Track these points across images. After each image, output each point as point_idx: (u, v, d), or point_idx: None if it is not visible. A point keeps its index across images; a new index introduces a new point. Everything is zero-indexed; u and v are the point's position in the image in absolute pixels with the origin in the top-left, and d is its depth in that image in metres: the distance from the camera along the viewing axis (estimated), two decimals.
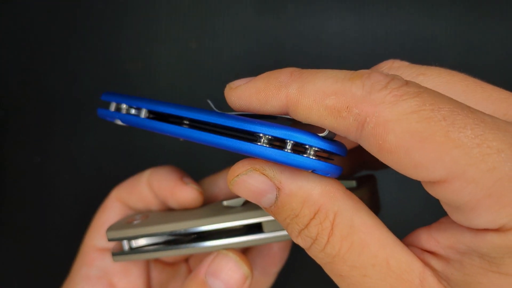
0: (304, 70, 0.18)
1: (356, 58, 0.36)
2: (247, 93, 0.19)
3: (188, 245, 0.24)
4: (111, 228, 0.24)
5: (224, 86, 0.35)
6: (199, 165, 0.37)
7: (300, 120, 0.18)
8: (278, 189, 0.18)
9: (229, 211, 0.23)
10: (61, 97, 0.37)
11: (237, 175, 0.18)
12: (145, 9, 0.37)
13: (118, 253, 0.25)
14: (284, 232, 0.22)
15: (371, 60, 0.36)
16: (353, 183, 0.22)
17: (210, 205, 0.26)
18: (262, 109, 0.19)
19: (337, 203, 0.18)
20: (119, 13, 0.37)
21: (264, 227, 0.23)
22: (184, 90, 0.37)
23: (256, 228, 0.23)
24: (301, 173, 0.18)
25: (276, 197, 0.18)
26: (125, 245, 0.24)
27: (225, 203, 0.24)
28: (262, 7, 0.36)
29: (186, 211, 0.25)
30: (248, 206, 0.23)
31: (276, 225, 0.23)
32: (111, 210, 0.27)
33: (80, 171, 0.37)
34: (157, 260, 0.28)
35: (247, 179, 0.18)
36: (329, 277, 0.20)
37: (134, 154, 0.37)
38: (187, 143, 0.37)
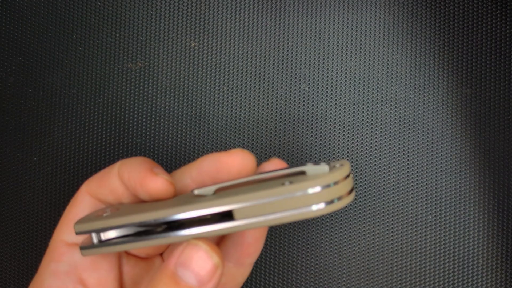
0: None
1: (356, 58, 0.36)
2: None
3: (158, 235, 0.23)
4: (79, 222, 0.24)
5: (224, 87, 0.35)
6: None
7: None
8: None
9: (200, 199, 0.22)
10: (60, 96, 0.37)
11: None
12: (145, 8, 0.37)
13: (86, 246, 0.24)
14: (256, 219, 0.22)
15: (371, 60, 0.36)
16: (326, 168, 0.22)
17: (181, 195, 0.25)
18: None
19: None
20: (119, 12, 0.37)
21: (235, 215, 0.22)
22: (184, 90, 0.37)
23: (228, 217, 0.22)
24: None
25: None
26: (94, 238, 0.24)
27: (196, 191, 0.23)
28: (262, 7, 0.36)
29: (156, 203, 0.24)
30: (219, 194, 0.23)
31: (247, 213, 0.22)
32: (81, 204, 0.26)
33: (79, 171, 0.37)
34: (130, 255, 0.27)
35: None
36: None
37: (133, 154, 0.37)
38: (188, 140, 0.37)
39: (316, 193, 0.21)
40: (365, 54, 0.36)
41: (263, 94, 0.36)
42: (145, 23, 0.37)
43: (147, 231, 0.24)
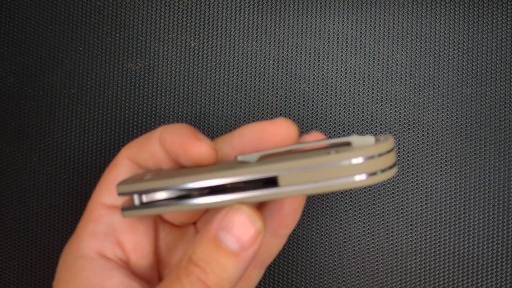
0: None
1: (356, 58, 0.36)
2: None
3: (200, 199, 0.23)
4: (121, 183, 0.24)
5: (224, 87, 0.35)
6: None
7: None
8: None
9: (245, 165, 0.22)
10: (60, 96, 0.37)
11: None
12: (145, 9, 0.37)
13: (128, 207, 0.24)
14: (300, 187, 0.22)
15: (371, 60, 0.36)
16: (372, 140, 0.22)
17: (224, 162, 0.25)
18: None
19: None
20: (119, 13, 0.37)
21: (280, 181, 0.22)
22: (184, 90, 0.37)
23: (271, 183, 0.22)
24: None
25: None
26: (136, 199, 0.23)
27: (239, 158, 0.23)
28: (262, 7, 0.36)
29: (198, 168, 0.24)
30: (264, 161, 0.23)
31: (292, 179, 0.22)
32: (121, 168, 0.26)
33: (79, 170, 0.37)
34: (165, 222, 0.27)
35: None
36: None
37: None
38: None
39: (362, 163, 0.21)
40: (365, 54, 0.36)
41: (263, 94, 0.36)
42: (145, 23, 0.37)
43: (188, 195, 0.23)
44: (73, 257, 0.25)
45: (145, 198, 0.23)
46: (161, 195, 0.23)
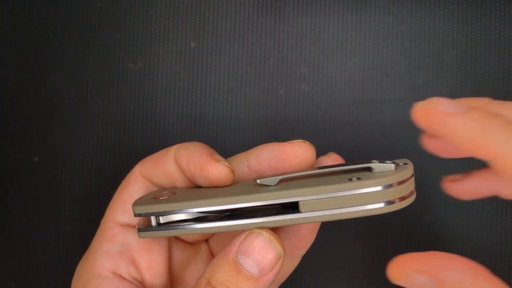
0: None
1: (356, 58, 0.36)
2: (456, 130, 0.20)
3: (219, 223, 0.23)
4: (137, 203, 0.23)
5: (224, 87, 0.35)
6: None
7: None
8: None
9: (266, 189, 0.22)
10: (60, 96, 0.37)
11: (407, 275, 0.20)
12: (145, 8, 0.37)
13: (145, 228, 0.23)
14: (321, 213, 0.22)
15: (371, 60, 0.36)
16: (392, 167, 0.22)
17: (241, 183, 0.25)
18: (464, 150, 0.20)
19: None
20: (119, 13, 0.37)
21: (301, 207, 0.22)
22: (184, 90, 0.37)
23: (290, 208, 0.22)
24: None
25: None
26: (153, 220, 0.23)
27: (259, 181, 0.23)
28: (262, 7, 0.36)
29: (215, 189, 0.24)
30: (284, 185, 0.23)
31: (314, 205, 0.22)
32: (135, 185, 0.26)
33: (79, 170, 0.37)
34: (178, 239, 0.27)
35: (415, 279, 0.20)
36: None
37: (134, 153, 0.37)
38: (188, 141, 0.37)
39: (384, 191, 0.21)
40: (364, 54, 0.36)
41: (263, 94, 0.36)
42: (145, 23, 0.37)
43: (206, 217, 0.23)
44: (88, 275, 0.25)
45: (162, 219, 0.23)
46: (178, 217, 0.23)
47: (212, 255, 0.29)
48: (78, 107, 0.37)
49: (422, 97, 0.35)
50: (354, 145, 0.36)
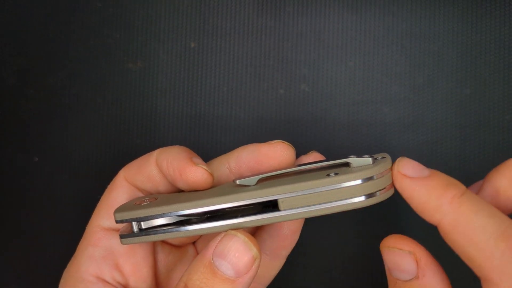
0: (464, 201, 0.20)
1: (356, 58, 0.36)
2: (409, 194, 0.22)
3: (200, 225, 0.23)
4: (119, 210, 0.24)
5: (224, 87, 0.35)
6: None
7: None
8: (417, 277, 0.21)
9: (245, 189, 0.23)
10: (60, 96, 0.37)
11: (395, 248, 0.21)
12: (145, 8, 0.37)
13: (127, 235, 0.24)
14: (301, 210, 0.22)
15: (371, 60, 0.36)
16: (369, 161, 0.22)
17: (222, 185, 0.25)
18: (416, 210, 0.22)
19: None
20: (119, 13, 0.37)
21: (281, 205, 0.22)
22: (184, 90, 0.37)
23: (271, 207, 0.22)
24: (438, 272, 0.21)
25: (409, 280, 0.21)
26: (134, 226, 0.24)
27: (238, 181, 0.23)
28: (262, 7, 0.36)
29: (196, 192, 0.24)
30: (263, 184, 0.23)
31: (293, 203, 0.22)
32: (119, 190, 0.26)
33: (79, 170, 0.37)
34: (164, 243, 0.28)
35: (402, 258, 0.21)
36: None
37: (134, 153, 0.37)
38: (188, 140, 0.37)
39: (361, 185, 0.21)
40: (364, 54, 0.36)
41: (263, 94, 0.36)
42: (145, 23, 0.37)
43: (187, 220, 0.23)
44: (73, 280, 0.25)
45: (143, 225, 0.24)
46: (159, 222, 0.24)
47: None
48: (78, 107, 0.37)
49: (422, 97, 0.36)
50: (354, 145, 0.36)
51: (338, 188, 0.21)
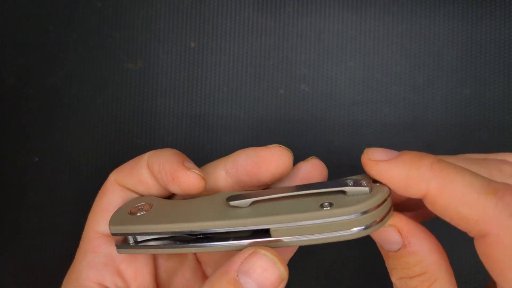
0: (444, 165, 0.21)
1: (356, 58, 0.36)
2: (388, 175, 0.22)
3: (195, 244, 0.23)
4: (114, 221, 0.24)
5: (224, 87, 0.35)
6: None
7: (429, 207, 0.21)
8: (404, 245, 0.21)
9: (236, 213, 0.23)
10: (60, 96, 0.37)
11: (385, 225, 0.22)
12: (145, 8, 0.37)
13: (123, 246, 0.24)
14: (293, 239, 0.22)
15: (371, 60, 0.36)
16: (366, 190, 0.22)
17: (214, 200, 0.25)
18: (399, 191, 0.22)
19: (440, 273, 0.21)
20: (119, 13, 0.37)
21: (272, 233, 0.22)
22: (184, 90, 0.37)
23: (263, 231, 0.22)
24: (424, 238, 0.22)
25: (399, 249, 0.22)
26: (130, 239, 0.24)
27: (231, 203, 0.23)
28: (262, 7, 0.36)
29: (190, 204, 0.24)
30: (256, 207, 0.23)
31: (284, 232, 0.22)
32: (112, 193, 0.26)
33: (79, 170, 0.37)
34: None
35: (385, 232, 0.22)
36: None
37: (134, 153, 0.37)
38: (188, 140, 0.37)
39: (357, 219, 0.21)
40: (364, 54, 0.36)
41: (263, 94, 0.36)
42: (145, 23, 0.37)
43: (183, 237, 0.24)
44: (74, 287, 0.25)
45: (139, 238, 0.24)
46: (154, 236, 0.24)
47: (198, 263, 0.29)
48: (78, 107, 0.37)
49: (422, 97, 0.36)
50: (354, 145, 0.36)
51: (331, 222, 0.21)
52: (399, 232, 0.22)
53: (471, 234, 0.21)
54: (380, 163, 0.22)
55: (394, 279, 0.22)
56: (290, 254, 0.28)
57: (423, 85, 0.36)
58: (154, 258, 0.27)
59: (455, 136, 0.35)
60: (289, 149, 0.25)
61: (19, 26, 0.37)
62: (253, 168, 0.25)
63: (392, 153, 0.22)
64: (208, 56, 0.37)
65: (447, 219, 0.21)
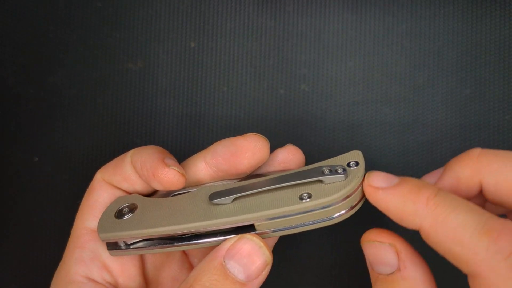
0: (440, 201, 0.20)
1: (356, 58, 0.36)
2: (385, 205, 0.22)
3: (183, 242, 0.24)
4: (102, 229, 0.25)
5: (224, 87, 0.35)
6: None
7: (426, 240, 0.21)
8: (399, 269, 0.21)
9: (219, 211, 0.23)
10: (60, 96, 0.37)
11: (375, 241, 0.21)
12: (145, 8, 0.37)
13: (113, 248, 0.25)
14: (277, 231, 0.23)
15: (371, 60, 0.36)
16: (342, 177, 0.23)
17: (197, 197, 0.25)
18: (395, 221, 0.22)
19: None
20: (119, 13, 0.37)
21: (257, 227, 0.23)
22: (184, 90, 0.37)
23: (248, 226, 0.23)
24: (420, 265, 0.21)
25: (391, 273, 0.21)
26: (121, 243, 0.25)
27: (214, 201, 0.24)
28: (262, 7, 0.36)
29: (174, 203, 0.25)
30: (238, 203, 0.23)
31: (268, 226, 0.23)
32: (99, 190, 0.27)
33: (79, 170, 0.37)
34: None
35: (382, 251, 0.21)
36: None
37: None
38: (188, 140, 0.37)
39: (336, 207, 0.22)
40: (364, 54, 0.36)
41: (263, 94, 0.36)
42: (145, 23, 0.37)
43: (170, 237, 0.25)
44: (63, 283, 0.26)
45: (129, 241, 0.25)
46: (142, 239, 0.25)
47: (185, 255, 0.29)
48: (78, 107, 0.37)
49: (422, 97, 0.36)
50: (354, 145, 0.36)
51: (311, 213, 0.22)
52: (397, 253, 0.21)
53: (463, 272, 0.20)
54: (379, 191, 0.22)
55: None
56: (272, 242, 0.28)
57: (423, 85, 0.36)
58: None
59: (455, 136, 0.35)
60: (265, 137, 0.25)
61: (19, 26, 0.37)
62: (231, 157, 0.25)
63: (392, 179, 0.22)
64: (208, 56, 0.37)
65: (441, 254, 0.20)
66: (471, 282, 0.20)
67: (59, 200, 0.37)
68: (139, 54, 0.37)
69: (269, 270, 0.22)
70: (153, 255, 0.28)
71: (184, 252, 0.29)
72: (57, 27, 0.37)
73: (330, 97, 0.36)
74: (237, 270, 0.21)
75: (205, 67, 0.37)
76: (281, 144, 0.35)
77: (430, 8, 0.36)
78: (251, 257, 0.22)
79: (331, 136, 0.36)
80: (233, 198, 0.23)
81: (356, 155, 0.24)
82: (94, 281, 0.25)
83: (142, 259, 0.27)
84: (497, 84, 0.35)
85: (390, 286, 0.21)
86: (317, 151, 0.36)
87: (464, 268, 0.19)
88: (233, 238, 0.22)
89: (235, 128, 0.36)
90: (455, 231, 0.19)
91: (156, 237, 0.24)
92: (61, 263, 0.27)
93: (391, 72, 0.36)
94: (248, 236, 0.22)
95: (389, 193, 0.21)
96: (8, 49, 0.37)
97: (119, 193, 0.27)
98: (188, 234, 0.24)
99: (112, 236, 0.24)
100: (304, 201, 0.22)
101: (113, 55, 0.37)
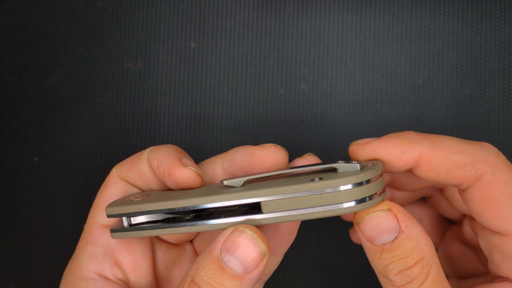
0: (426, 134, 0.23)
1: (356, 58, 0.36)
2: (383, 147, 0.23)
3: (186, 223, 0.23)
4: (110, 205, 0.24)
5: (224, 87, 0.35)
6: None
7: (423, 173, 0.23)
8: (401, 231, 0.21)
9: (229, 190, 0.23)
10: (60, 96, 0.37)
11: (374, 211, 0.21)
12: (145, 8, 0.37)
13: (116, 229, 0.24)
14: (283, 214, 0.22)
15: (371, 60, 0.36)
16: (357, 167, 0.22)
17: (211, 186, 0.25)
18: (395, 161, 0.23)
19: (433, 256, 0.22)
20: (119, 13, 0.37)
21: (263, 208, 0.22)
22: (184, 90, 0.37)
23: (256, 209, 0.22)
24: (414, 219, 0.22)
25: (395, 238, 0.21)
26: (124, 221, 0.24)
27: (225, 182, 0.23)
28: (262, 7, 0.36)
29: (185, 191, 0.25)
30: (248, 186, 0.23)
31: (275, 206, 0.22)
32: (113, 187, 0.27)
33: (79, 170, 0.37)
34: (162, 240, 0.28)
35: (382, 218, 0.21)
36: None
37: (134, 153, 0.37)
38: (188, 140, 0.37)
39: (346, 191, 0.21)
40: (364, 54, 0.36)
41: (263, 94, 0.36)
42: (145, 23, 0.37)
43: (175, 218, 0.24)
44: (74, 278, 0.25)
45: (133, 221, 0.24)
46: (148, 218, 0.24)
47: (197, 255, 0.29)
48: (78, 107, 0.37)
49: (422, 97, 0.36)
50: None
51: (321, 194, 0.21)
52: (396, 216, 0.21)
53: (467, 182, 0.22)
54: (373, 140, 0.23)
55: (392, 275, 0.22)
56: (286, 244, 0.28)
57: (423, 85, 0.36)
58: (153, 250, 0.27)
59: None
60: (284, 149, 0.25)
61: (19, 26, 0.37)
62: (248, 166, 0.25)
63: (373, 138, 0.24)
64: (208, 56, 0.37)
65: (442, 177, 0.23)
66: (474, 189, 0.22)
67: (59, 200, 0.37)
68: (139, 54, 0.37)
69: (267, 260, 0.22)
70: (165, 254, 0.28)
71: (195, 252, 0.29)
72: (57, 27, 0.37)
73: (330, 97, 0.36)
74: (233, 263, 0.21)
75: (205, 67, 0.37)
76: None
77: (430, 8, 0.36)
78: (246, 249, 0.21)
79: (331, 136, 0.36)
80: (244, 180, 0.23)
81: (376, 161, 0.24)
82: (105, 277, 0.25)
83: (153, 257, 0.27)
84: (497, 84, 0.35)
85: (398, 251, 0.21)
86: (317, 151, 0.36)
87: (470, 173, 0.22)
88: (228, 229, 0.22)
89: (235, 128, 0.36)
90: (452, 143, 0.23)
91: (162, 212, 0.24)
92: (72, 258, 0.27)
93: (391, 72, 0.36)
94: (242, 228, 0.22)
95: (383, 139, 0.23)
96: (8, 49, 0.37)
97: (133, 191, 0.27)
98: (193, 212, 0.23)
99: (118, 210, 0.24)
100: (314, 181, 0.21)
101: (113, 55, 0.37)
